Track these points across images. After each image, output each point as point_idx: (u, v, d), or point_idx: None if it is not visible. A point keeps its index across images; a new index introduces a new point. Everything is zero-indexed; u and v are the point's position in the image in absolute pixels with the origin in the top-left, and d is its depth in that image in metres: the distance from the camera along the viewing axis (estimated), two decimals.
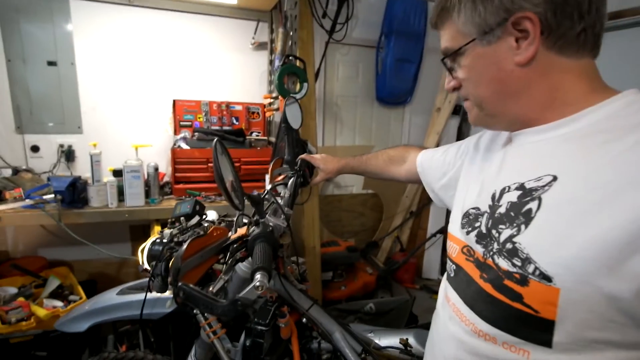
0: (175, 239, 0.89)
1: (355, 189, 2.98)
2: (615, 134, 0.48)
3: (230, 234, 0.88)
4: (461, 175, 0.78)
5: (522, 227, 0.52)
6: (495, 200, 0.59)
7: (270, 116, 2.37)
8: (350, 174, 1.27)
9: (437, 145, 2.79)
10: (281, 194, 1.14)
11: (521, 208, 0.53)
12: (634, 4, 1.69)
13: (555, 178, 0.51)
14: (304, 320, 1.04)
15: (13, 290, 1.72)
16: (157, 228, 1.87)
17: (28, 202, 1.71)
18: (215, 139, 0.70)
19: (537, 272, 0.49)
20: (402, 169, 1.10)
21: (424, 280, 3.04)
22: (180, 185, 2.03)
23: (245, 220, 0.97)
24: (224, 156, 0.74)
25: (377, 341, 1.21)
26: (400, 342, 1.12)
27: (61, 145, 2.08)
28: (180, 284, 0.63)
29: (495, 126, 0.63)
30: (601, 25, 0.53)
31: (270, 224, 0.87)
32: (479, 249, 0.60)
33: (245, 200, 0.85)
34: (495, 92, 0.58)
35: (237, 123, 2.34)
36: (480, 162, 0.71)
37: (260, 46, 2.41)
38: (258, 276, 0.61)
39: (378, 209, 3.10)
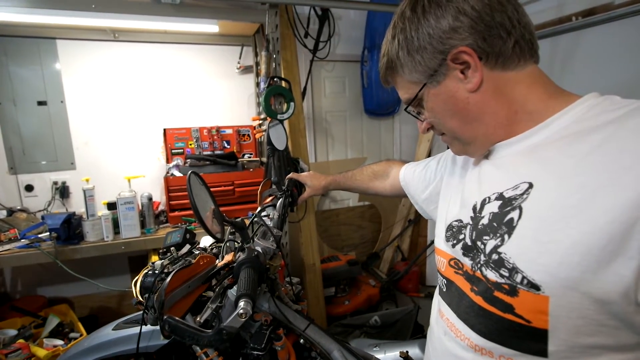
0: (166, 270, 0.90)
1: (351, 202, 2.98)
2: (581, 137, 0.49)
3: (217, 261, 0.89)
4: (442, 189, 0.79)
5: (506, 237, 0.52)
6: (476, 212, 0.60)
7: (260, 137, 2.40)
8: (337, 190, 1.28)
9: (429, 153, 2.82)
10: (270, 216, 1.15)
11: (503, 218, 0.54)
12: (605, 1, 1.73)
13: (531, 185, 0.52)
14: (302, 341, 1.03)
15: (12, 332, 1.70)
16: (155, 258, 1.87)
17: (23, 242, 1.72)
18: (189, 172, 0.71)
19: (525, 281, 0.49)
20: (387, 183, 1.11)
21: (429, 288, 3.01)
22: (175, 213, 2.03)
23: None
24: (203, 187, 0.75)
25: (382, 355, 1.19)
26: (400, 356, 1.10)
27: (55, 183, 2.09)
28: (165, 317, 0.63)
29: (475, 152, 0.65)
30: (530, 32, 0.56)
31: (258, 248, 0.88)
32: (467, 262, 0.60)
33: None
34: (461, 121, 0.60)
35: (228, 146, 2.36)
36: (458, 176, 0.72)
37: (246, 70, 2.46)
38: (241, 303, 0.61)
39: (376, 220, 3.09)
